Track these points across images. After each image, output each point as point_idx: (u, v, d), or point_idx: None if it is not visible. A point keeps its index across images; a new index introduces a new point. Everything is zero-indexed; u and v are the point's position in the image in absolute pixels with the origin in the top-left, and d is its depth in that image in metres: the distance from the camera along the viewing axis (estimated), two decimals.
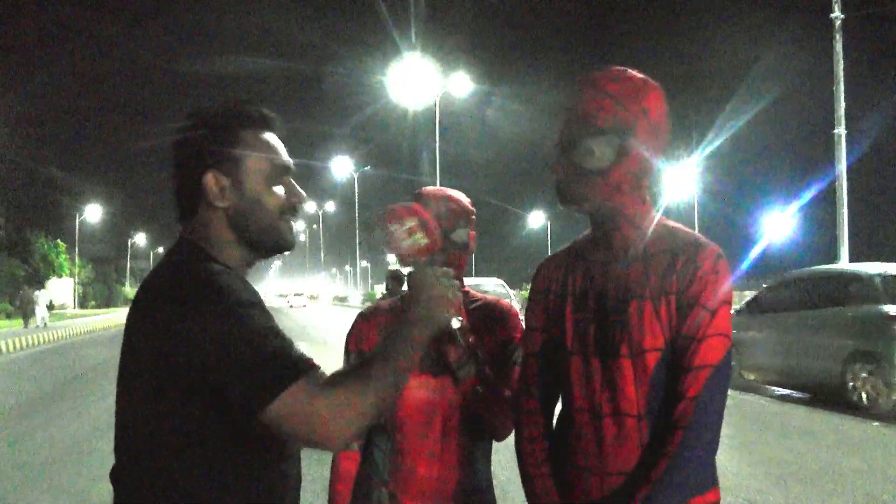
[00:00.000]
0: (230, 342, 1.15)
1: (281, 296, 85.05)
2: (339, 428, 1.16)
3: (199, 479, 1.20)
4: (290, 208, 1.37)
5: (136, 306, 1.26)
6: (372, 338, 1.88)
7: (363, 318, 1.94)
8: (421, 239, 1.32)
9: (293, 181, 1.39)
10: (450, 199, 1.88)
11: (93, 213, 57.52)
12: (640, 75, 1.54)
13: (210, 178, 1.30)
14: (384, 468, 1.84)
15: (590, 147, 1.50)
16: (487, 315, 1.89)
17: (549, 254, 1.77)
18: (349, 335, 1.94)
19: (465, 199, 1.91)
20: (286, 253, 1.39)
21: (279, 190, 1.35)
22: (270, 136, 1.37)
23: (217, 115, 1.34)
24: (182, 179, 1.33)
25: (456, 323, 1.32)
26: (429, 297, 1.32)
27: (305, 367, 1.17)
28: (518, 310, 1.97)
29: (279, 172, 1.36)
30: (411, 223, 1.33)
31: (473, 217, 1.90)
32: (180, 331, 1.16)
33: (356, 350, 1.89)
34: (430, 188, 1.92)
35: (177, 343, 1.16)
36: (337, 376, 1.21)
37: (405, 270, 1.40)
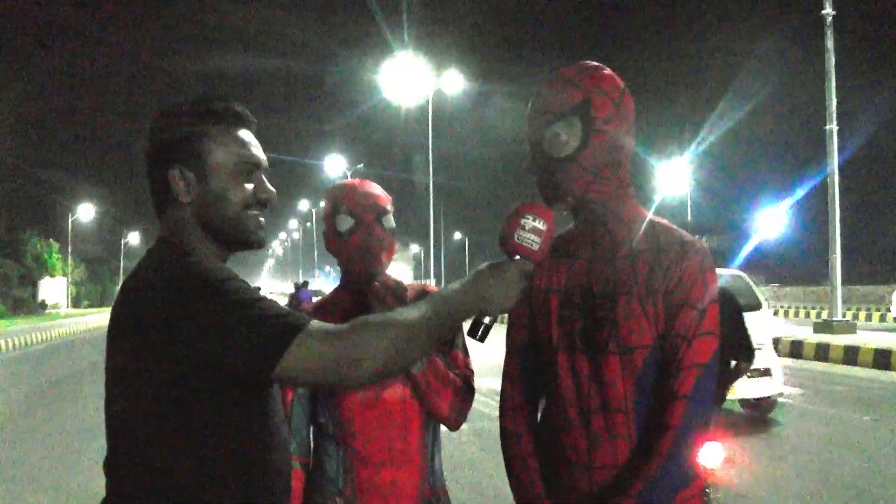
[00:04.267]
0: (226, 321, 1.17)
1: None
2: (353, 368, 1.19)
3: (190, 471, 1.21)
4: (257, 203, 1.36)
5: (121, 307, 1.27)
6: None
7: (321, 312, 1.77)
8: (534, 243, 1.34)
9: (264, 178, 1.39)
10: (376, 187, 1.89)
11: (86, 212, 57.20)
12: (594, 62, 1.56)
13: (175, 174, 1.31)
14: (338, 478, 1.76)
15: (555, 132, 1.51)
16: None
17: None
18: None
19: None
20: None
21: (247, 185, 1.35)
22: (240, 132, 1.36)
23: (184, 111, 1.34)
24: (151, 176, 1.34)
25: (487, 319, 1.34)
26: (508, 286, 1.31)
27: (302, 319, 1.20)
28: None
29: (248, 168, 1.35)
30: (542, 226, 1.35)
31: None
32: (173, 325, 1.18)
33: None
34: (355, 181, 1.88)
35: (171, 338, 1.18)
36: (358, 320, 1.24)
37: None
